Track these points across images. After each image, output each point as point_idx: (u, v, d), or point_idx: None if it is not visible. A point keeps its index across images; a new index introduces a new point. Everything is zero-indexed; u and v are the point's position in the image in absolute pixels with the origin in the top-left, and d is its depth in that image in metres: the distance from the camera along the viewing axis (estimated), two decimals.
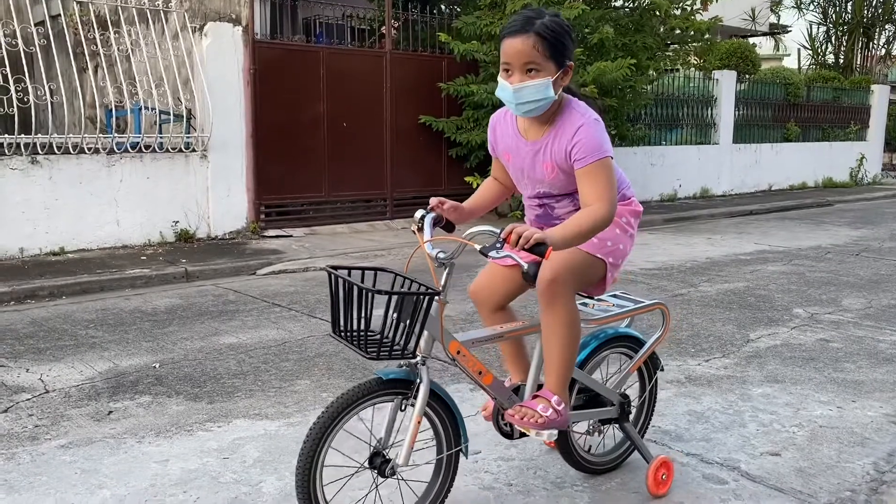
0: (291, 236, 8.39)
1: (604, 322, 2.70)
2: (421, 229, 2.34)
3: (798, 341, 4.69)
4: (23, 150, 6.84)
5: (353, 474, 2.31)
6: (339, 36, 9.64)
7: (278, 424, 3.31)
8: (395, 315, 2.12)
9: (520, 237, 2.10)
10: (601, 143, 2.30)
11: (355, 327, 2.14)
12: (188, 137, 7.86)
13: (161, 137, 7.66)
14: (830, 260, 7.64)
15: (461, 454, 2.42)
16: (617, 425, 2.84)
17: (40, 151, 6.92)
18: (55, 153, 7.01)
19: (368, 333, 2.15)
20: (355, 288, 2.10)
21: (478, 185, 9.50)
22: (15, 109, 6.71)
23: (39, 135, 7.01)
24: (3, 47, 6.79)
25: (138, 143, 7.44)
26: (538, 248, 2.09)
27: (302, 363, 4.17)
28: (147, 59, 7.74)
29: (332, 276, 2.13)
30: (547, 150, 2.40)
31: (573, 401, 2.64)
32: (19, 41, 6.88)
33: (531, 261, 2.14)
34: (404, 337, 2.14)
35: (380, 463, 2.26)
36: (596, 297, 2.75)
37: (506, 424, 2.58)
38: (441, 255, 2.25)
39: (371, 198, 9.58)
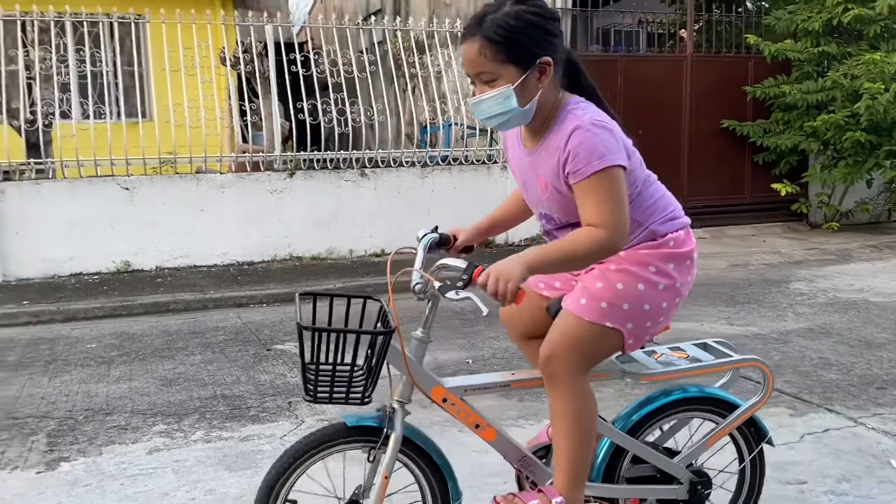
0: None
1: (653, 379, 2.15)
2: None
3: None
4: (354, 164, 7.80)
5: None
6: (634, 42, 9.56)
7: None
8: (367, 352, 1.88)
9: (496, 281, 1.77)
10: (603, 150, 1.80)
11: (307, 360, 1.90)
12: (490, 150, 8.35)
13: (467, 151, 8.24)
14: None
15: None
16: None
17: (367, 165, 7.84)
18: (379, 167, 7.90)
19: (350, 371, 1.92)
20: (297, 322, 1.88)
21: (787, 193, 8.89)
22: (350, 129, 7.69)
23: (367, 150, 7.94)
24: (342, 74, 7.82)
25: (447, 156, 8.09)
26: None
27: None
28: (457, 78, 8.38)
29: (297, 303, 1.95)
30: (538, 163, 1.97)
31: (624, 472, 2.19)
32: (354, 68, 7.88)
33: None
34: (363, 380, 1.91)
35: None
36: (669, 346, 2.27)
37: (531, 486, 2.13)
38: (418, 287, 1.91)
39: None
